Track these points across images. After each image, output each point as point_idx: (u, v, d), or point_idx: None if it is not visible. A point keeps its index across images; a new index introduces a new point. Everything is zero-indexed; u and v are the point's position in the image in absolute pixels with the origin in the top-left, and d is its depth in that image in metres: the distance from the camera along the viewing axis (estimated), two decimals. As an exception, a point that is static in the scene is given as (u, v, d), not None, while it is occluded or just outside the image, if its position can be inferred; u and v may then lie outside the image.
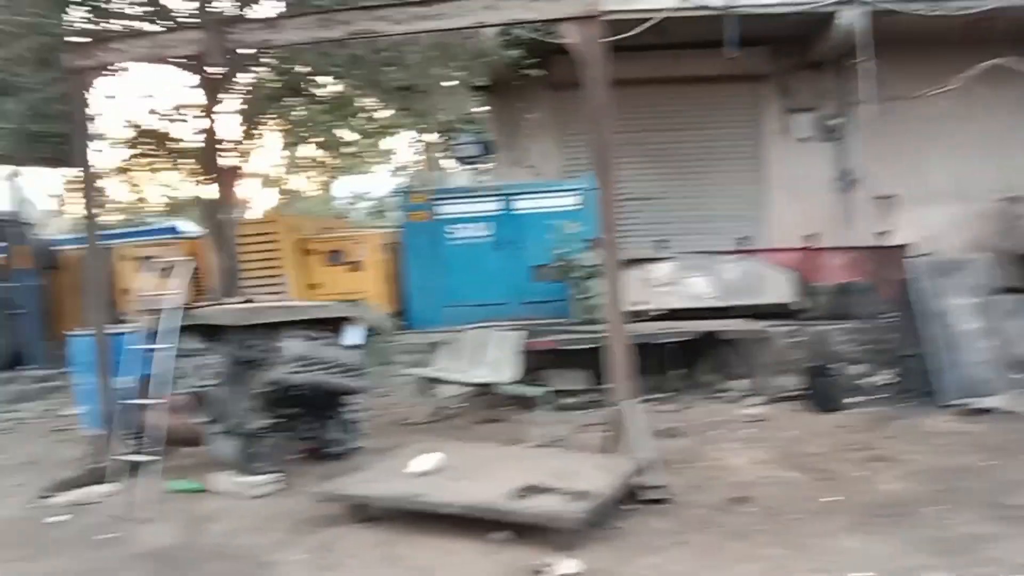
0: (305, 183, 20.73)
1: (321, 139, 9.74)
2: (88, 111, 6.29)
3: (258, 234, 10.20)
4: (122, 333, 6.86)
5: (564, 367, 8.32)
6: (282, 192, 21.07)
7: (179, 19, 7.06)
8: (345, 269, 10.49)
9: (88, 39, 6.14)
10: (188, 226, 14.53)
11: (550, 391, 7.27)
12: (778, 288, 9.18)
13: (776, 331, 8.58)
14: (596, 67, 5.31)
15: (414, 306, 10.51)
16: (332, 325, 6.18)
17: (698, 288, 9.02)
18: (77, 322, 11.59)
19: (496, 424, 7.66)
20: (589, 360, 7.89)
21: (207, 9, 7.17)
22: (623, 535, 4.66)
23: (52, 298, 11.29)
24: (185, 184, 11.86)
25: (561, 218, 9.73)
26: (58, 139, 9.26)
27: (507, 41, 8.85)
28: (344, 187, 23.28)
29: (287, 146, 12.63)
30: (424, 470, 5.19)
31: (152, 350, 5.87)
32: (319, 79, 7.64)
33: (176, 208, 16.85)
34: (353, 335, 6.20)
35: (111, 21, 7.29)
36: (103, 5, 7.07)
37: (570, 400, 8.01)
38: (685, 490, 5.34)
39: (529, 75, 9.59)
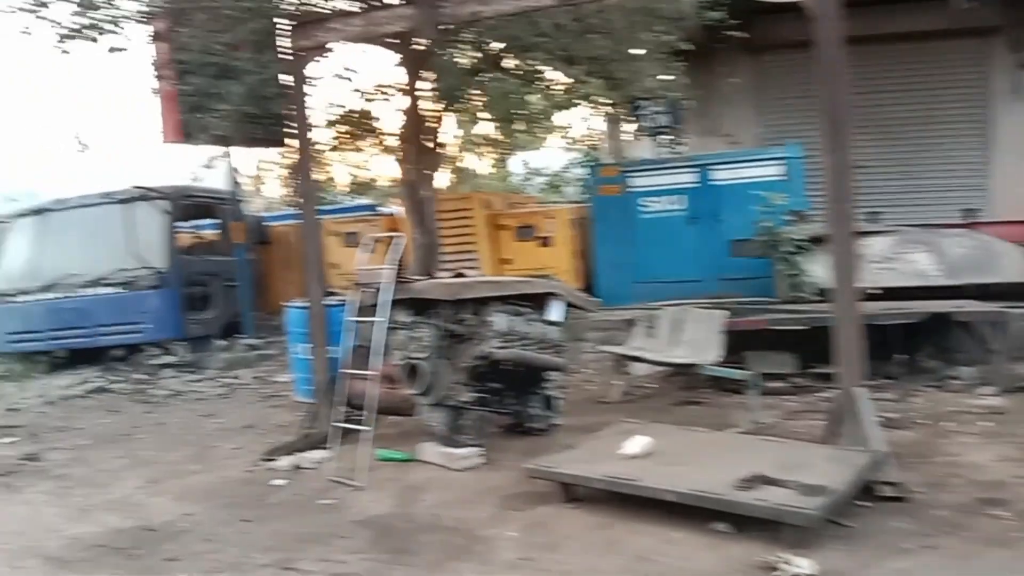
0: (477, 161, 21.01)
1: (507, 114, 9.67)
2: (306, 90, 6.50)
3: (453, 210, 10.35)
4: (334, 305, 7.16)
5: (768, 349, 7.82)
6: (455, 170, 21.49)
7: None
8: (535, 244, 10.47)
9: (306, 20, 6.29)
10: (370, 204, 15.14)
11: (757, 374, 6.83)
12: (1014, 265, 8.20)
13: (1015, 313, 7.65)
14: (830, 22, 4.86)
15: (603, 282, 10.31)
16: (535, 301, 6.09)
17: (920, 265, 8.21)
18: (284, 294, 12.38)
19: (696, 407, 7.32)
20: (796, 342, 7.41)
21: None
22: (860, 535, 4.25)
23: (262, 271, 12.06)
24: (373, 163, 12.31)
25: (763, 189, 9.15)
26: (271, 120, 9.81)
27: (708, 2, 8.37)
28: (518, 163, 23.38)
29: (464, 124, 12.75)
30: (634, 453, 4.99)
31: (365, 322, 6.03)
32: (515, 52, 7.52)
33: (362, 187, 17.57)
34: (556, 311, 6.09)
35: (320, 4, 7.52)
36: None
37: (775, 384, 7.53)
38: (924, 488, 4.83)
39: (729, 38, 9.04)
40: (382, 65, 10.28)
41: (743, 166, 9.81)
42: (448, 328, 5.81)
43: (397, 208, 15.86)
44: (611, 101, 9.24)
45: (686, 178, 10.02)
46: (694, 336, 7.35)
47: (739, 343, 7.69)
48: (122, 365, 10.31)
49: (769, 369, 7.63)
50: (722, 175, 9.87)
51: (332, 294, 7.55)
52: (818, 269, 8.20)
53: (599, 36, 6.92)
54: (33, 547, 4.86)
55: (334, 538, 4.75)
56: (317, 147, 11.52)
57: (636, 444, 5.04)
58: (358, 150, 9.59)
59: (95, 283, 10.41)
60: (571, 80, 8.49)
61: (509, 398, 6.29)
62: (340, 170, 14.30)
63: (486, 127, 13.36)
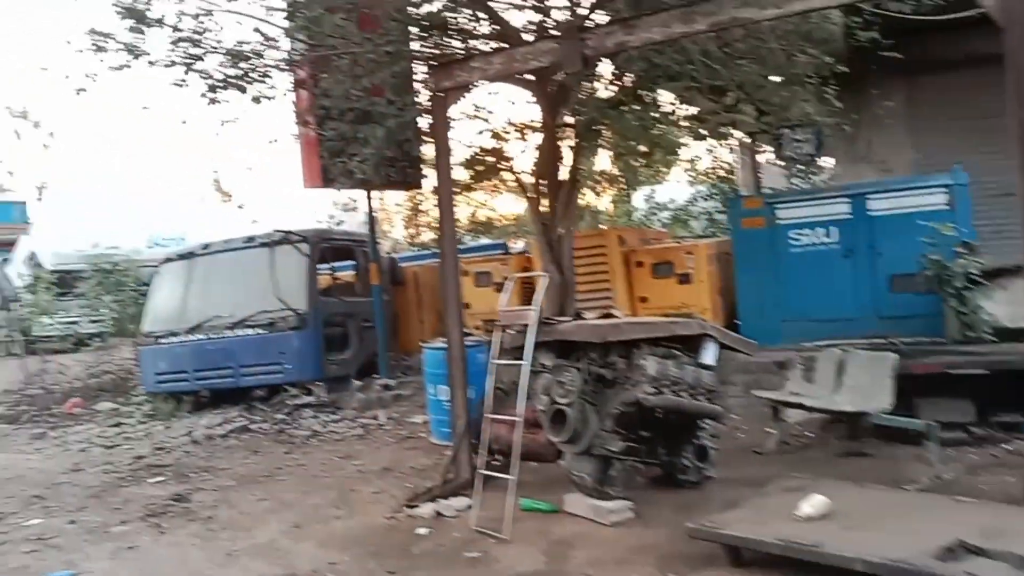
0: (594, 197, 20.67)
1: (649, 146, 9.36)
2: (448, 131, 6.43)
3: (586, 248, 10.08)
4: (471, 346, 6.99)
5: (941, 395, 7.08)
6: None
7: (528, 32, 7.06)
8: (673, 281, 10.03)
9: (448, 61, 6.24)
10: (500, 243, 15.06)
11: (934, 424, 6.15)
12: None
13: None
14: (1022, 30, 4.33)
15: (748, 321, 9.73)
16: (688, 343, 5.69)
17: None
18: (416, 335, 12.46)
19: (862, 459, 6.68)
20: (973, 387, 6.68)
21: (547, 22, 7.11)
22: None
23: (395, 312, 12.14)
24: (493, 202, 12.21)
25: (926, 219, 8.41)
26: (407, 163, 9.93)
27: (859, 23, 7.84)
28: (640, 197, 22.97)
29: (586, 159, 12.46)
30: (810, 514, 4.51)
31: (507, 365, 5.82)
32: (660, 82, 7.25)
33: (482, 227, 17.61)
34: (711, 354, 5.68)
35: (456, 44, 7.51)
36: (454, 28, 7.29)
37: (951, 435, 6.79)
38: None
39: (882, 59, 8.45)
40: (511, 104, 10.17)
41: (903, 195, 9.05)
42: (595, 372, 5.51)
43: (516, 246, 15.85)
44: (757, 130, 8.79)
45: (839, 209, 9.34)
46: (859, 381, 6.74)
47: (908, 389, 7.00)
48: (263, 405, 10.51)
49: (944, 418, 6.89)
50: (879, 205, 9.14)
51: (466, 335, 7.39)
52: (997, 306, 7.43)
53: (749, 62, 6.55)
54: (182, 594, 4.84)
55: (484, 596, 4.50)
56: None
57: (812, 504, 4.56)
58: (493, 189, 9.51)
59: (239, 325, 10.70)
60: (714, 110, 8.10)
61: (660, 447, 5.90)
62: (462, 210, 14.39)
63: (605, 162, 13.13)
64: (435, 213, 14.47)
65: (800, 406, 6.97)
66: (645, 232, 13.13)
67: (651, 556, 4.82)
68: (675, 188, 21.91)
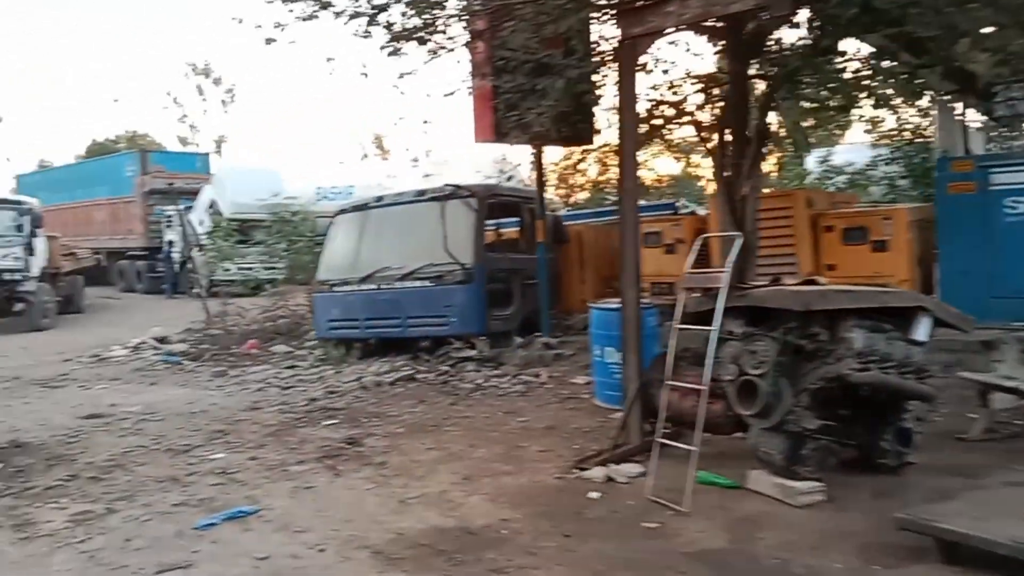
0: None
1: (848, 100, 8.59)
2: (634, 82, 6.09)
3: (769, 209, 9.45)
4: (645, 309, 6.71)
5: None
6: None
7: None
8: (867, 249, 9.24)
9: (640, 5, 5.86)
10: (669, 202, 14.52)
11: None
12: None
13: None
14: None
15: (949, 295, 8.78)
16: (898, 315, 5.16)
17: None
18: (577, 294, 12.29)
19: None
20: None
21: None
22: None
23: (557, 271, 11.98)
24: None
25: None
26: (578, 117, 9.63)
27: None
28: (811, 160, 21.62)
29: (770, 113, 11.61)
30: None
31: (692, 330, 5.49)
32: (873, 28, 6.53)
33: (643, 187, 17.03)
34: (923, 329, 5.12)
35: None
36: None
37: None
38: None
39: None
40: (690, 54, 9.55)
41: None
42: (793, 343, 5.08)
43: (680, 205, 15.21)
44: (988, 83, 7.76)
45: (1069, 174, 8.28)
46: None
47: None
48: (428, 356, 10.68)
49: None
50: (1119, 167, 8.01)
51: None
52: None
53: (982, 5, 5.75)
54: (360, 538, 4.89)
55: (668, 571, 4.27)
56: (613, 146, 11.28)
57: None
58: (665, 147, 9.05)
59: (407, 277, 10.87)
60: (926, 62, 7.27)
61: (858, 428, 5.41)
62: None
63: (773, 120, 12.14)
64: (594, 172, 14.27)
65: (1015, 391, 6.25)
66: (833, 195, 12.19)
67: (849, 544, 4.44)
68: (850, 151, 20.47)
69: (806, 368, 5.07)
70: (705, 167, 18.29)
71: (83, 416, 8.72)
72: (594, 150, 11.02)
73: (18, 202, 19.46)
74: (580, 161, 16.76)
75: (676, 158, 19.07)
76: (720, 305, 5.10)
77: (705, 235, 6.39)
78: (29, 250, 18.29)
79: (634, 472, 5.83)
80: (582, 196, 20.98)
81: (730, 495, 5.35)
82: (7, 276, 17.80)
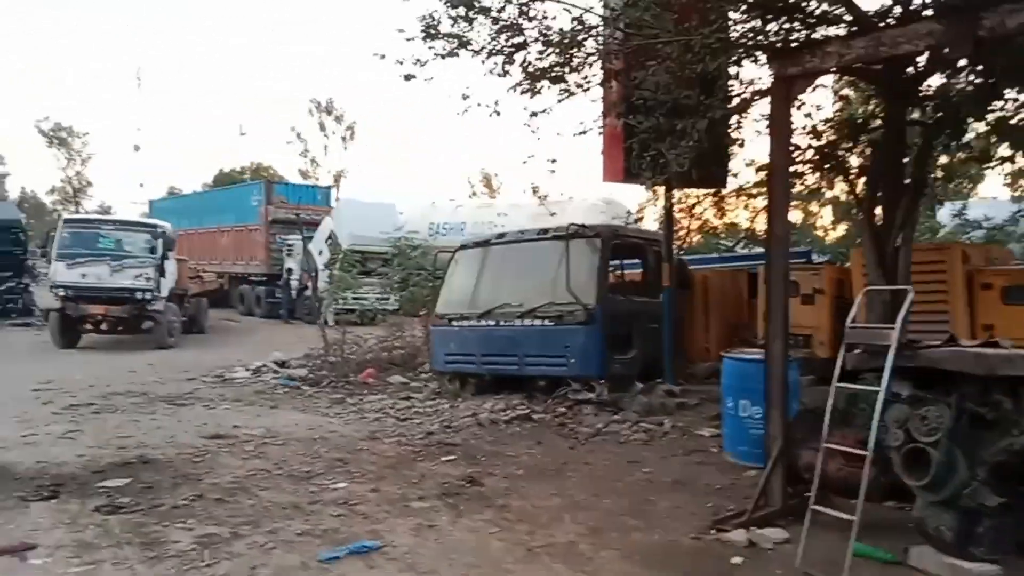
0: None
1: (998, 152, 8.03)
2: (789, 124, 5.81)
3: (921, 263, 8.87)
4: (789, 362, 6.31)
5: None
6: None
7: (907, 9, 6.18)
8: (1034, 309, 8.52)
9: (798, 45, 5.61)
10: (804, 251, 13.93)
11: None
12: None
13: None
14: None
15: None
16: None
17: None
18: (700, 341, 11.91)
19: None
20: None
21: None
22: None
23: (680, 317, 11.62)
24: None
25: None
26: (713, 160, 9.35)
27: None
28: (945, 213, 20.46)
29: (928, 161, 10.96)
30: None
31: (854, 389, 5.12)
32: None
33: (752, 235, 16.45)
34: None
35: (803, 29, 6.80)
36: (798, 11, 6.60)
37: None
38: None
39: None
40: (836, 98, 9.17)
41: None
42: (971, 409, 4.63)
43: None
44: None
45: None
46: None
47: None
48: (544, 396, 10.49)
49: None
50: None
51: (755, 345, 6.72)
52: None
53: None
54: (489, 586, 4.71)
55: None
56: (748, 189, 10.94)
57: None
58: (811, 192, 8.66)
59: (527, 315, 10.75)
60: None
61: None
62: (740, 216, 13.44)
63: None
64: (710, 214, 13.82)
65: None
66: (988, 250, 11.41)
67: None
68: (981, 204, 19.35)
69: (984, 439, 4.61)
70: (825, 216, 17.53)
71: (208, 436, 8.92)
72: (738, 193, 10.64)
73: (153, 225, 20.50)
74: (695, 205, 16.41)
75: (795, 206, 18.45)
76: (888, 364, 4.72)
77: (870, 288, 5.97)
78: (160, 271, 19.16)
79: (779, 537, 5.45)
80: (696, 239, 20.51)
81: (890, 571, 4.91)
82: (139, 295, 18.67)
